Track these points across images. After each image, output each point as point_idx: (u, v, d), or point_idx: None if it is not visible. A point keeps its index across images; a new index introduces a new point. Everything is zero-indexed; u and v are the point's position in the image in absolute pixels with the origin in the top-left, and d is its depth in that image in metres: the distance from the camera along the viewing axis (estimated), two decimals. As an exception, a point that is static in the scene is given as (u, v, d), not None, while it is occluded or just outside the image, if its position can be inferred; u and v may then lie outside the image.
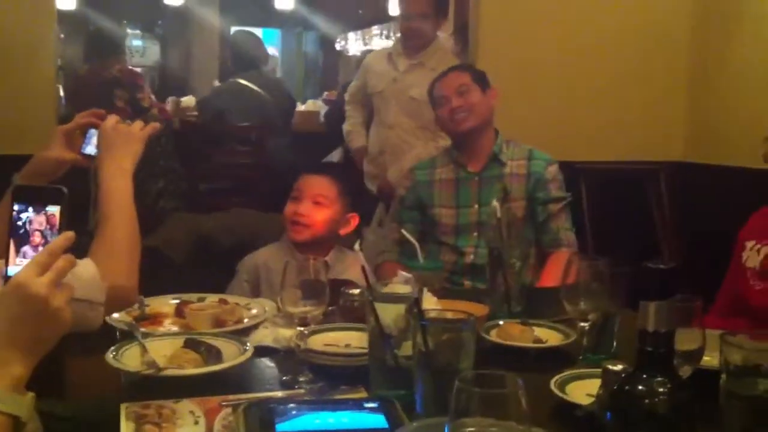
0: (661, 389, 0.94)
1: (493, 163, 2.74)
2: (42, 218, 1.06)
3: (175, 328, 1.80)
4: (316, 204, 2.27)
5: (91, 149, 1.70)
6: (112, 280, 1.40)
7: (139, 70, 5.22)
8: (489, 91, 2.78)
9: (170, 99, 5.76)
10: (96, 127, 1.68)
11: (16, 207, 1.07)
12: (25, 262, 1.04)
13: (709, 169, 3.87)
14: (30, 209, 1.06)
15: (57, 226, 1.06)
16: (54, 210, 1.07)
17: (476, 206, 2.71)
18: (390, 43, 5.84)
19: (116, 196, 1.55)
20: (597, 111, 3.95)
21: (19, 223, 1.06)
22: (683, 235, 3.87)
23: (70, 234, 1.04)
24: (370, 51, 5.56)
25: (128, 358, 1.57)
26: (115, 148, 1.62)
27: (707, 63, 3.95)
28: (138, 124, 1.68)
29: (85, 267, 1.35)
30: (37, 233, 1.06)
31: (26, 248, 1.07)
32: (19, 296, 0.97)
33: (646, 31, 3.98)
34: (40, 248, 1.05)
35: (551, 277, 2.46)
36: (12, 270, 1.04)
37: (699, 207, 3.83)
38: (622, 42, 3.96)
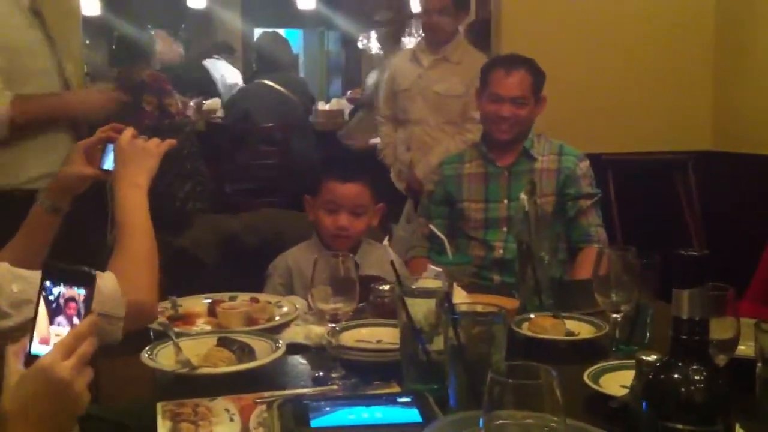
0: (697, 377, 0.94)
1: (523, 158, 2.73)
2: (68, 298, 1.08)
3: (208, 328, 1.82)
4: (355, 215, 2.27)
5: (110, 164, 1.70)
6: (133, 294, 1.41)
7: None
8: (540, 101, 2.76)
9: (194, 101, 5.79)
10: (114, 141, 1.68)
11: (45, 284, 1.08)
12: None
13: (737, 158, 3.83)
14: (58, 288, 1.07)
15: (83, 308, 1.07)
16: (81, 291, 1.08)
17: (505, 201, 2.71)
18: (411, 40, 5.80)
19: (132, 212, 1.56)
20: (623, 102, 3.93)
21: (48, 300, 1.07)
22: (712, 224, 3.83)
23: (94, 318, 1.07)
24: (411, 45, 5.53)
25: (163, 358, 1.59)
26: (131, 163, 1.62)
27: (733, 51, 3.91)
28: (154, 140, 1.68)
29: (105, 281, 1.36)
30: (64, 313, 1.08)
31: (54, 327, 1.07)
32: (44, 378, 1.01)
33: (672, 20, 3.94)
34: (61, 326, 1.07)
35: (583, 272, 2.45)
36: (35, 349, 1.06)
37: (728, 196, 3.79)
38: (647, 32, 3.93)
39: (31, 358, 1.05)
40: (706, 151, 3.98)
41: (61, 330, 1.07)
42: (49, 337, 1.07)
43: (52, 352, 1.03)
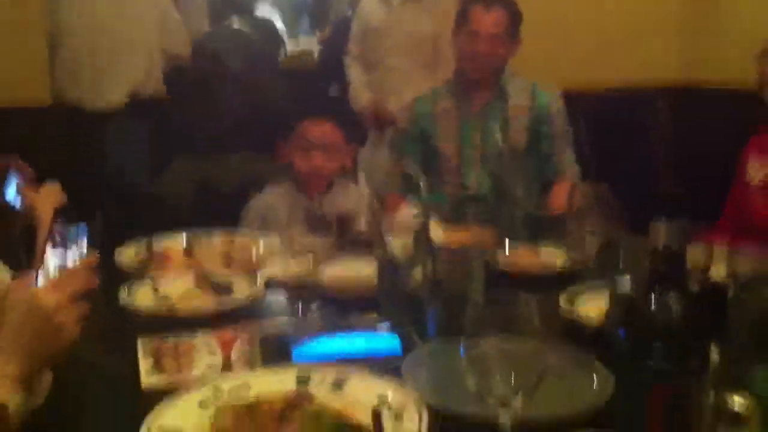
0: (673, 304, 0.96)
1: (496, 97, 2.72)
2: (74, 234, 1.12)
3: (185, 266, 1.82)
4: (328, 154, 2.27)
5: (13, 195, 1.64)
6: None
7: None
8: (516, 42, 2.74)
9: None
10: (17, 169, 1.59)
11: (53, 225, 1.14)
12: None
13: (706, 92, 3.85)
14: (63, 223, 1.12)
15: (83, 249, 1.13)
16: (83, 231, 1.14)
17: (479, 137, 2.71)
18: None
19: None
20: (593, 36, 3.91)
21: (54, 240, 1.12)
22: (682, 160, 3.88)
23: (92, 259, 1.12)
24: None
25: (141, 297, 1.59)
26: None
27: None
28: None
29: None
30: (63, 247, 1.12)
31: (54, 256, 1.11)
32: (28, 306, 1.05)
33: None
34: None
35: (556, 206, 2.48)
36: (41, 281, 1.11)
37: (697, 131, 3.82)
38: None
39: None
40: (675, 86, 4.00)
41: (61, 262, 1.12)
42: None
43: (42, 284, 1.08)
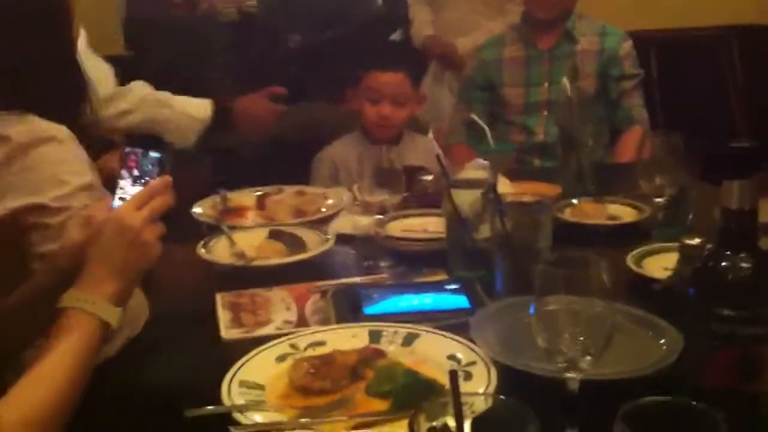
0: (745, 265, 0.96)
1: (564, 40, 2.68)
2: (147, 161, 1.16)
3: (258, 220, 1.87)
4: (397, 104, 2.28)
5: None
6: None
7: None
8: None
9: None
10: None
11: (126, 149, 1.17)
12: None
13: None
14: (135, 151, 1.15)
15: (159, 169, 1.16)
16: (157, 155, 1.17)
17: (546, 84, 2.68)
18: None
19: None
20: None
21: (128, 163, 1.16)
22: (757, 101, 3.76)
23: (168, 179, 1.15)
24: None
25: (218, 250, 1.66)
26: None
27: None
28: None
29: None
30: (137, 173, 1.16)
31: (128, 184, 1.16)
32: (116, 226, 1.10)
33: None
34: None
35: (625, 154, 2.45)
36: (116, 203, 1.15)
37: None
38: None
39: None
40: (750, 25, 3.86)
41: (136, 188, 1.16)
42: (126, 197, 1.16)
43: (125, 203, 1.13)
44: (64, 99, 1.36)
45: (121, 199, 1.15)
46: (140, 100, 2.06)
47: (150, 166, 1.17)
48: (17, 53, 1.31)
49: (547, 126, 2.65)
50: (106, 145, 1.74)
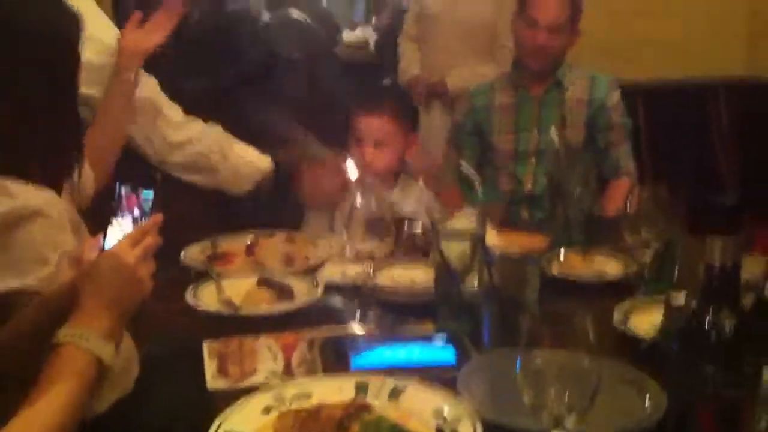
0: (727, 322, 0.98)
1: (554, 87, 2.72)
2: (141, 200, 1.18)
3: (246, 266, 1.87)
4: (380, 146, 2.28)
5: None
6: None
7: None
8: (576, 32, 2.70)
9: None
10: None
11: (122, 189, 1.20)
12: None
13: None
14: (128, 189, 1.18)
15: (149, 209, 1.18)
16: (148, 195, 1.19)
17: (535, 131, 2.71)
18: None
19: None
20: (653, 25, 3.86)
21: (120, 200, 1.18)
22: (745, 153, 3.80)
23: (159, 217, 1.19)
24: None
25: (206, 297, 1.66)
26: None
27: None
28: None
29: None
30: (132, 211, 1.18)
31: (123, 222, 1.18)
32: (114, 263, 1.14)
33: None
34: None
35: (612, 205, 2.47)
36: (111, 240, 1.16)
37: (761, 124, 3.75)
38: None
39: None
40: (738, 78, 3.92)
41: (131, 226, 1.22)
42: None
43: (121, 241, 1.16)
44: (61, 154, 1.35)
45: (116, 235, 1.17)
46: (202, 132, 2.03)
47: (144, 205, 1.20)
48: (14, 104, 1.27)
49: (536, 175, 2.67)
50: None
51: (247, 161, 2.07)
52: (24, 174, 1.22)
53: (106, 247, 1.18)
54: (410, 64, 3.81)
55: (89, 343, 1.07)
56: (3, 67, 1.26)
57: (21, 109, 1.27)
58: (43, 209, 1.21)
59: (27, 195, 1.21)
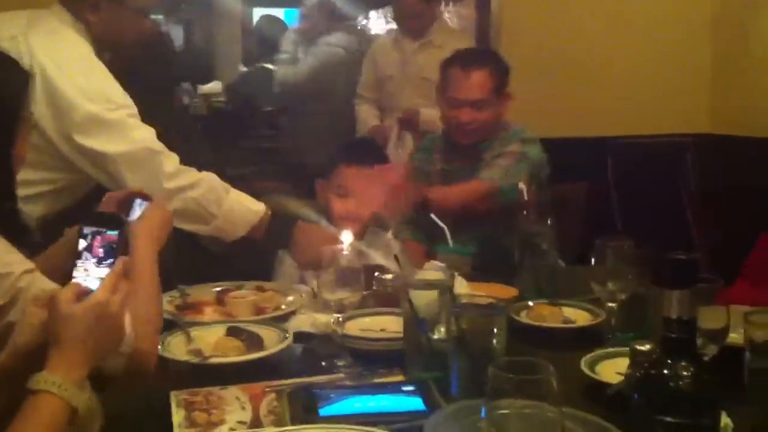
0: (685, 373, 1.00)
1: (492, 152, 2.60)
2: (102, 240, 1.18)
3: (216, 316, 1.87)
4: (360, 200, 2.30)
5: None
6: (138, 342, 1.37)
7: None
8: (504, 99, 2.61)
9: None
10: (143, 198, 1.72)
11: (86, 230, 1.22)
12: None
13: (735, 141, 3.87)
14: (94, 231, 1.18)
15: (117, 249, 1.19)
16: (114, 233, 1.19)
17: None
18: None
19: (150, 268, 1.53)
20: (621, 86, 3.96)
21: (84, 243, 1.18)
22: (711, 206, 3.88)
23: (127, 258, 1.21)
24: (392, 29, 5.50)
25: (174, 347, 1.65)
26: (156, 223, 1.63)
27: (733, 34, 3.94)
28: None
29: None
30: (98, 252, 1.19)
31: (88, 264, 1.18)
32: (101, 312, 1.15)
33: (671, 3, 3.97)
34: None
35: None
36: (79, 283, 1.19)
37: (726, 179, 3.84)
38: (646, 16, 3.96)
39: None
40: (704, 134, 4.02)
41: (100, 270, 1.20)
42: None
43: (103, 289, 1.16)
44: None
45: (84, 280, 1.17)
46: (198, 179, 2.05)
47: (111, 246, 1.19)
48: None
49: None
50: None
51: (243, 207, 2.08)
52: None
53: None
54: (368, 118, 3.86)
55: (67, 392, 1.09)
56: None
57: None
58: None
59: None
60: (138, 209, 1.72)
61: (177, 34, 7.37)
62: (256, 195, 2.33)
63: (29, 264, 1.33)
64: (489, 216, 2.42)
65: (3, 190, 1.41)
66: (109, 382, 1.32)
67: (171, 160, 2.02)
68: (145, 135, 2.00)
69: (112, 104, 1.96)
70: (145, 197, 1.73)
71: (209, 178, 2.07)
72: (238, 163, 4.79)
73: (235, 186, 2.16)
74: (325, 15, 4.47)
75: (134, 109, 2.00)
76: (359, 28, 4.90)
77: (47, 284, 1.30)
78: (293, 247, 2.16)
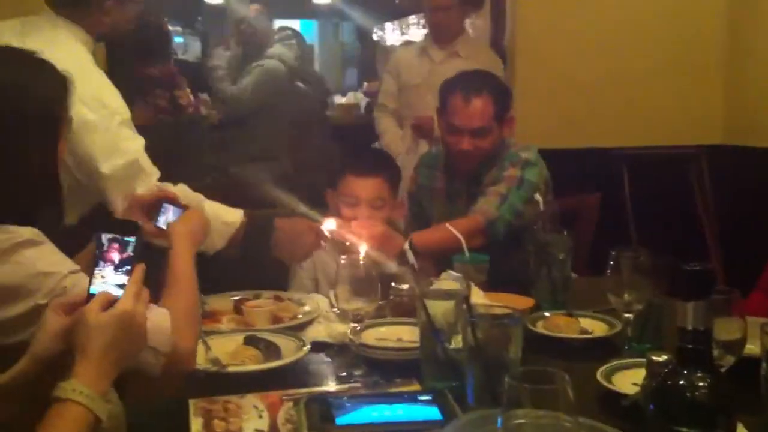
0: (700, 384, 1.00)
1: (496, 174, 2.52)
2: (119, 247, 1.20)
3: (233, 325, 1.89)
4: (374, 208, 2.31)
5: (163, 223, 1.77)
6: (177, 341, 1.42)
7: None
8: (507, 123, 2.55)
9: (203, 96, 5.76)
10: (171, 202, 1.75)
11: (104, 236, 1.22)
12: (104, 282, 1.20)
13: (748, 151, 3.86)
14: (110, 238, 1.19)
15: (134, 254, 1.21)
16: (131, 240, 1.21)
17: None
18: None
19: (189, 268, 1.61)
20: (635, 96, 3.96)
21: (101, 250, 1.21)
22: (725, 216, 3.87)
23: (143, 265, 1.22)
24: (407, 41, 5.53)
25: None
26: (196, 226, 1.72)
27: (745, 45, 3.93)
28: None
29: (161, 318, 1.39)
30: (115, 259, 1.20)
31: (106, 271, 1.20)
32: (129, 321, 1.17)
33: (683, 14, 3.97)
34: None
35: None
36: (93, 288, 1.20)
37: (740, 189, 3.82)
38: (658, 26, 3.95)
39: (91, 297, 1.19)
40: (717, 145, 4.01)
41: (117, 276, 1.21)
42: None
43: (127, 299, 1.18)
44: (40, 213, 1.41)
45: (102, 286, 1.19)
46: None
47: (128, 252, 1.20)
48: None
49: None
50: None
51: (220, 220, 2.06)
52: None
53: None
54: (395, 142, 3.85)
55: (93, 403, 1.10)
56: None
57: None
58: (33, 238, 1.32)
59: (14, 229, 1.31)
60: (168, 214, 1.75)
61: (194, 47, 7.45)
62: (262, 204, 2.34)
63: (75, 265, 1.36)
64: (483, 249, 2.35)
65: (50, 195, 1.44)
66: (145, 383, 1.34)
67: (155, 173, 2.00)
68: (135, 144, 1.98)
69: (107, 110, 1.93)
70: (174, 200, 1.75)
71: (184, 191, 2.06)
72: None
73: (244, 194, 2.16)
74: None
75: (128, 114, 1.98)
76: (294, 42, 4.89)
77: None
78: (276, 246, 2.12)
